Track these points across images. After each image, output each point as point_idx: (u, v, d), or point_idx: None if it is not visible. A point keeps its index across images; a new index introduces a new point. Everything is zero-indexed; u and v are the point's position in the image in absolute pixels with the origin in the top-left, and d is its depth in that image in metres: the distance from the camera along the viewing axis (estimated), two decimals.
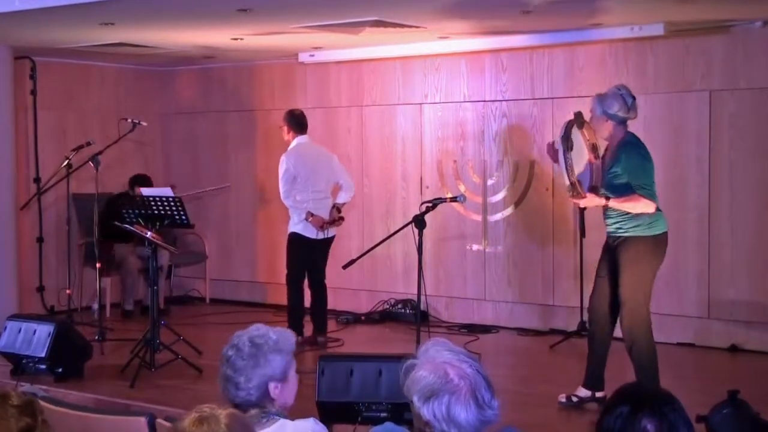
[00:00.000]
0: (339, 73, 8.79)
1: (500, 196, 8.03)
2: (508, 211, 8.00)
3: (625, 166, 5.36)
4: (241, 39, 7.53)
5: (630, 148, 5.41)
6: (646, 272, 5.41)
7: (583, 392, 5.62)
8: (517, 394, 5.80)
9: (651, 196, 5.35)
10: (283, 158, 7.30)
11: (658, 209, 5.42)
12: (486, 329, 7.94)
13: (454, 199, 6.45)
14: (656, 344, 5.41)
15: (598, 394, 5.57)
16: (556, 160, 5.71)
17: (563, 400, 5.64)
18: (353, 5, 6.21)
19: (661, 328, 7.27)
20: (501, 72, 8.01)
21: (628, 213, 5.38)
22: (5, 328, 6.50)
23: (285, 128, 7.37)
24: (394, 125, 8.56)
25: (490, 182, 8.08)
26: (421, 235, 5.90)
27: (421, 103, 8.42)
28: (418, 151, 8.43)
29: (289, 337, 3.05)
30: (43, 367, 6.26)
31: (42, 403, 2.90)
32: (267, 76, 9.22)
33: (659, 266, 5.50)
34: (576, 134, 5.61)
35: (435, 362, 2.46)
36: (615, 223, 5.45)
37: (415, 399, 2.44)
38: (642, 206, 5.33)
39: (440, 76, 8.31)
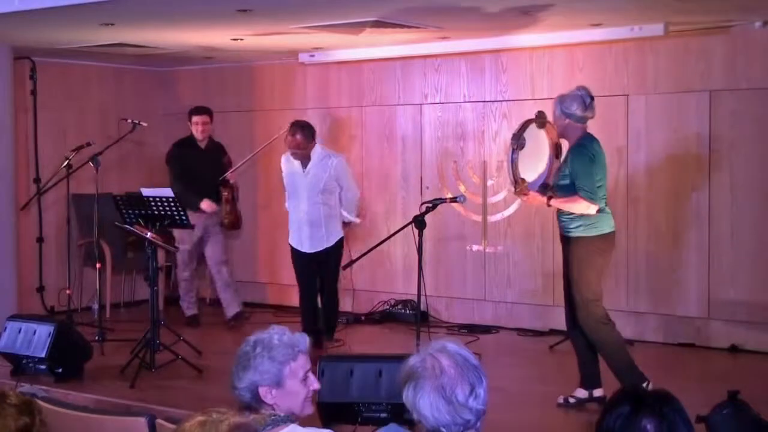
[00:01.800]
0: (339, 73, 8.79)
1: (500, 196, 8.01)
2: (508, 211, 7.99)
3: (572, 168, 5.44)
4: (241, 39, 7.53)
5: (580, 149, 5.47)
6: (592, 272, 5.47)
7: (581, 393, 5.62)
8: (517, 394, 5.80)
9: (591, 198, 5.38)
10: (342, 160, 7.17)
11: (603, 210, 5.47)
12: (486, 329, 7.94)
13: (454, 200, 6.45)
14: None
15: (596, 393, 5.57)
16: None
17: (561, 401, 5.64)
18: (353, 5, 6.21)
19: (661, 328, 7.32)
20: (501, 72, 8.01)
21: (570, 214, 5.47)
22: (5, 328, 6.50)
23: (312, 135, 7.04)
24: (394, 125, 8.56)
25: (490, 182, 8.07)
26: (421, 235, 5.91)
27: (421, 104, 8.42)
28: (418, 151, 8.43)
29: (293, 344, 3.02)
30: (43, 367, 6.26)
31: (42, 403, 2.91)
32: (267, 76, 9.22)
33: (606, 265, 5.62)
34: (539, 134, 5.73)
35: (423, 351, 2.50)
36: (562, 222, 5.56)
37: (401, 384, 2.49)
38: (582, 208, 5.41)
39: (440, 77, 8.31)
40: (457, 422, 2.42)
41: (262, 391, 2.97)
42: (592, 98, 5.52)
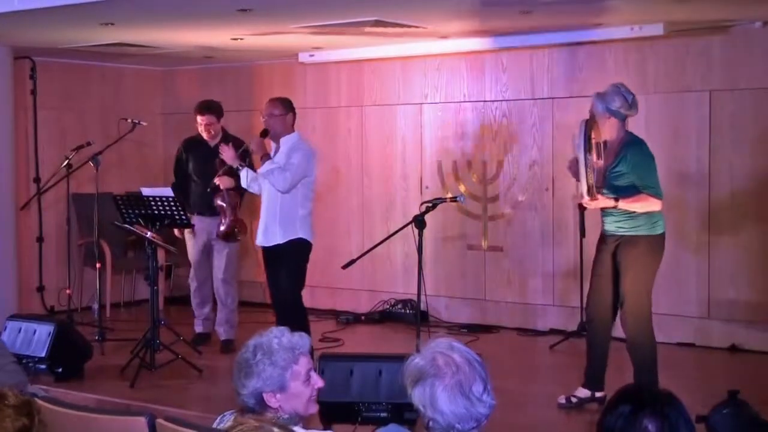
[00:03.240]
0: (339, 73, 8.79)
1: (500, 196, 8.03)
2: (508, 211, 8.00)
3: (632, 166, 5.35)
4: (241, 39, 7.53)
5: (635, 146, 5.41)
6: (648, 272, 5.42)
7: (583, 392, 5.61)
8: (517, 394, 5.80)
9: (658, 195, 5.35)
10: (308, 148, 6.37)
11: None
12: (486, 329, 7.94)
13: (454, 199, 6.46)
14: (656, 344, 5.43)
15: (598, 394, 5.56)
16: (576, 174, 5.53)
17: (563, 401, 5.63)
18: (353, 5, 6.21)
19: (661, 328, 7.26)
20: (501, 72, 8.01)
21: (629, 213, 5.36)
22: (5, 328, 6.51)
23: (290, 116, 6.43)
24: (394, 125, 8.56)
25: (490, 182, 8.08)
26: (421, 235, 5.90)
27: (421, 103, 8.42)
28: (418, 151, 8.43)
29: (293, 347, 3.00)
30: (43, 367, 6.26)
31: (42, 403, 2.90)
32: (267, 76, 9.22)
33: (659, 266, 5.52)
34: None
35: (428, 350, 2.51)
36: (616, 222, 5.44)
37: (407, 385, 2.50)
38: (651, 206, 5.33)
39: (440, 76, 8.31)
40: (473, 417, 2.45)
41: (266, 396, 2.95)
42: (634, 95, 5.44)
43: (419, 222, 5.90)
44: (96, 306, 7.89)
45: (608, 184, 5.44)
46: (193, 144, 7.55)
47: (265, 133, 6.46)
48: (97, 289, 7.75)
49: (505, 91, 8.00)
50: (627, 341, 5.48)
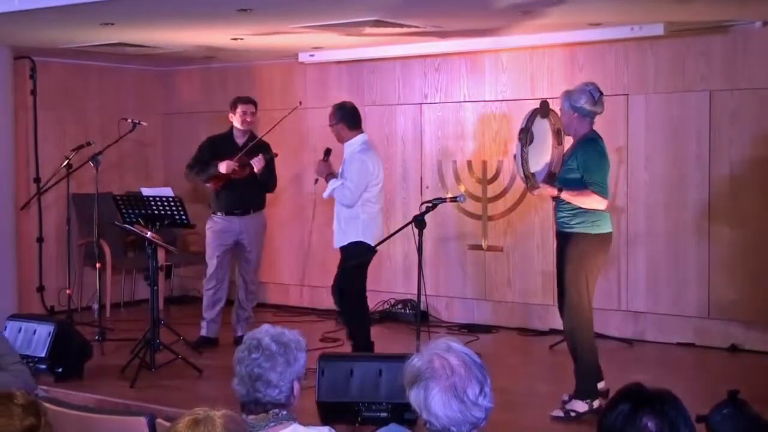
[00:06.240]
0: (339, 73, 8.79)
1: (500, 196, 8.02)
2: (508, 211, 7.99)
3: (581, 161, 5.39)
4: (241, 39, 7.53)
5: (588, 143, 5.45)
6: (588, 270, 5.44)
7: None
8: (516, 395, 5.80)
9: (603, 193, 5.37)
10: (362, 158, 6.44)
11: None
12: (486, 329, 7.95)
13: (454, 199, 6.45)
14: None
15: (600, 386, 5.52)
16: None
17: (560, 414, 5.54)
18: (353, 5, 6.22)
19: (661, 328, 7.32)
20: (501, 72, 8.01)
21: (575, 209, 5.40)
22: (5, 328, 6.50)
23: (341, 125, 6.51)
24: (394, 125, 8.56)
25: (490, 182, 8.08)
26: (421, 235, 5.91)
27: (421, 103, 8.42)
28: (418, 151, 8.43)
29: (301, 334, 3.03)
30: (43, 367, 6.26)
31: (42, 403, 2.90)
32: (267, 76, 9.22)
33: (602, 265, 5.60)
34: (542, 123, 5.63)
35: (427, 351, 2.50)
36: (562, 217, 5.48)
37: (405, 386, 2.49)
38: (593, 202, 5.36)
39: (440, 76, 8.31)
40: (468, 420, 2.43)
41: (296, 385, 2.93)
42: (601, 93, 5.48)
43: (419, 222, 5.91)
44: (96, 306, 7.90)
45: (561, 177, 5.50)
46: (220, 144, 7.39)
47: (327, 153, 6.74)
48: (97, 289, 7.75)
49: (505, 91, 8.00)
50: (567, 343, 5.56)
